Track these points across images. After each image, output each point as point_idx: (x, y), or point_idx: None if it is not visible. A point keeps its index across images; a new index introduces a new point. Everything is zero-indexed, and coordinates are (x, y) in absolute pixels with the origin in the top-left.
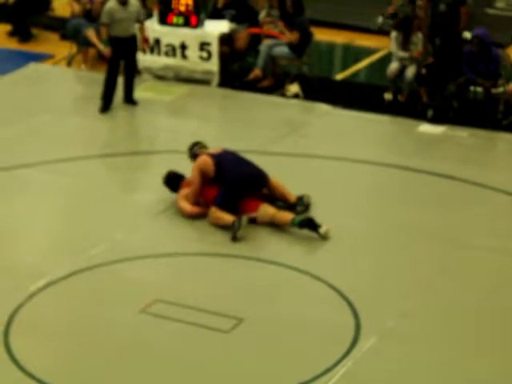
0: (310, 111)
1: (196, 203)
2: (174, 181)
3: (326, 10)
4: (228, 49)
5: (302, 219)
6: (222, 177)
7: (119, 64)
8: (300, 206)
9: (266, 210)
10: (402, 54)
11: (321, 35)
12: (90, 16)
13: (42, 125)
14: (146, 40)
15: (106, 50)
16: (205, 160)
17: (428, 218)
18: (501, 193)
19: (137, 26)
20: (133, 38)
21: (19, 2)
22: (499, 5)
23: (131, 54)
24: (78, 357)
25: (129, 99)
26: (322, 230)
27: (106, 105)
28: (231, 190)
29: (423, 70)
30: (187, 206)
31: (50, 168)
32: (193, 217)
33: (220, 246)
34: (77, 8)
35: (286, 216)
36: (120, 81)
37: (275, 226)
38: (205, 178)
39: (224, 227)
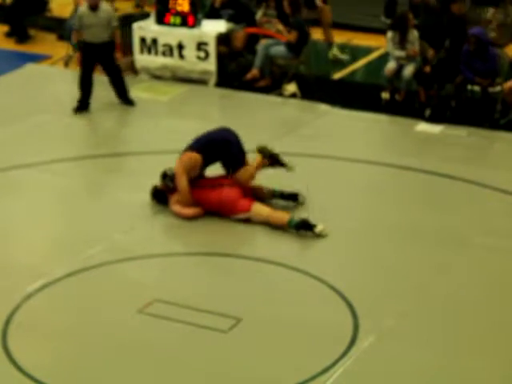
0: (308, 111)
1: (190, 204)
2: (161, 193)
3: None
4: (225, 49)
5: (297, 222)
6: (214, 152)
7: (92, 68)
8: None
9: (260, 210)
10: (398, 53)
11: (318, 35)
12: None
13: (39, 125)
14: (119, 47)
15: (76, 54)
16: (190, 157)
17: (426, 217)
18: (499, 191)
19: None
20: (105, 44)
21: (17, 3)
22: None
23: (107, 59)
24: (76, 357)
25: (124, 99)
26: (317, 230)
27: (80, 107)
28: (235, 147)
29: (427, 68)
30: (183, 210)
31: (47, 168)
32: (190, 218)
33: (218, 245)
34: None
35: (282, 217)
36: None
37: (270, 225)
38: (189, 177)
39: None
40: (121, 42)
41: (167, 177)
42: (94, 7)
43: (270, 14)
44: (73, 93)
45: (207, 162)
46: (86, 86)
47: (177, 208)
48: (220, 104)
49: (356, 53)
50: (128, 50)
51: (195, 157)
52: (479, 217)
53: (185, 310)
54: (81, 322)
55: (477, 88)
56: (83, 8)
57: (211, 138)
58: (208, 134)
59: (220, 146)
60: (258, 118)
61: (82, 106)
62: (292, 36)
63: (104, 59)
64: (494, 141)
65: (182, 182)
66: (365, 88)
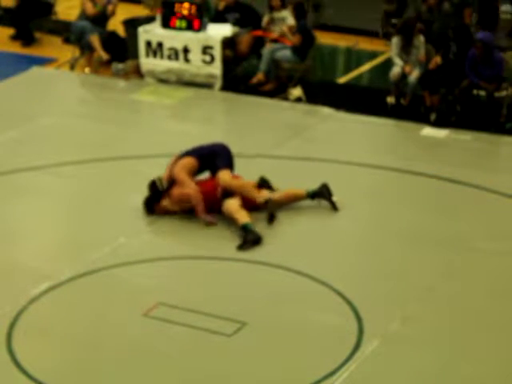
0: (313, 115)
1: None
2: (152, 203)
3: (329, 14)
4: (231, 52)
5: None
6: (208, 157)
7: None
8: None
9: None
10: (404, 58)
11: (324, 39)
12: (98, 19)
13: (44, 128)
14: None
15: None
16: (189, 162)
17: (431, 221)
18: (504, 196)
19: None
20: None
21: (22, 6)
22: (503, 9)
23: None
24: (81, 360)
25: None
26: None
27: None
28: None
29: (438, 59)
30: (190, 187)
31: (52, 171)
32: (198, 200)
33: (222, 249)
34: (90, 8)
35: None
36: None
37: (272, 227)
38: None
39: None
40: None
41: (158, 181)
42: None
43: (275, 17)
44: (78, 96)
45: (200, 170)
46: None
47: (185, 190)
48: (225, 108)
49: (361, 57)
50: (134, 53)
51: (193, 162)
52: (484, 221)
53: (189, 313)
54: (85, 325)
55: (482, 92)
56: None
57: (209, 148)
58: (206, 145)
59: (215, 156)
60: (262, 122)
61: None
62: (296, 39)
63: None
64: (500, 145)
65: (188, 180)
66: (370, 92)
